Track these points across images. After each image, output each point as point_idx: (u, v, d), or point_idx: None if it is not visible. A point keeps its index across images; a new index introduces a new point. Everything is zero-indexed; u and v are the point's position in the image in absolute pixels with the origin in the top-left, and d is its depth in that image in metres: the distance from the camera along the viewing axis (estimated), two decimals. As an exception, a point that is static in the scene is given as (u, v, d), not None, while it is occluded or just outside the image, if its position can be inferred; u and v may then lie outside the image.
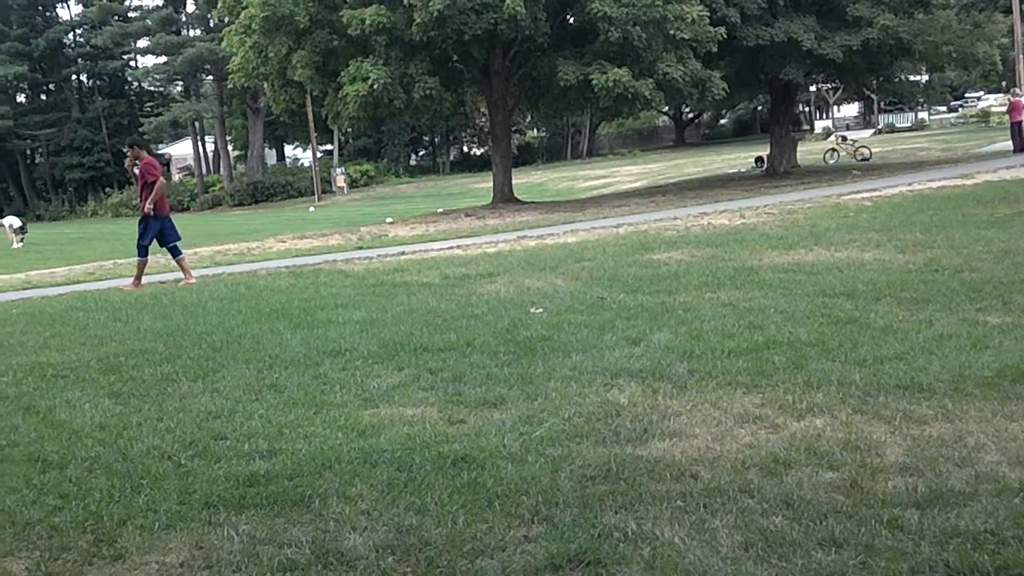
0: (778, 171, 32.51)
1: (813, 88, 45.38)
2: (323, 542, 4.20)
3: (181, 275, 15.97)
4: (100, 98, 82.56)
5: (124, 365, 8.38)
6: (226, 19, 35.26)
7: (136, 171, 15.98)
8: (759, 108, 71.55)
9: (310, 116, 54.03)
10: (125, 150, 16.10)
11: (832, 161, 36.05)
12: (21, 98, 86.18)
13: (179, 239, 16.17)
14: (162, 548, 4.31)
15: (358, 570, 3.94)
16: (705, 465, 4.83)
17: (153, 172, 15.78)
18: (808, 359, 6.64)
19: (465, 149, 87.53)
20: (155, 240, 15.84)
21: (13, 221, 39.68)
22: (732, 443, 5.14)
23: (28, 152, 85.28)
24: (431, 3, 25.06)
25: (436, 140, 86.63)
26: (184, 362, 8.29)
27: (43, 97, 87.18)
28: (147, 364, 8.34)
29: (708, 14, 26.70)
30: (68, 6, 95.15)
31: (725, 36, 27.18)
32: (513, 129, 48.28)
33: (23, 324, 11.68)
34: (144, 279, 15.81)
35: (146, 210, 15.47)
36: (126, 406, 6.94)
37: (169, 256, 16.37)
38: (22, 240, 37.29)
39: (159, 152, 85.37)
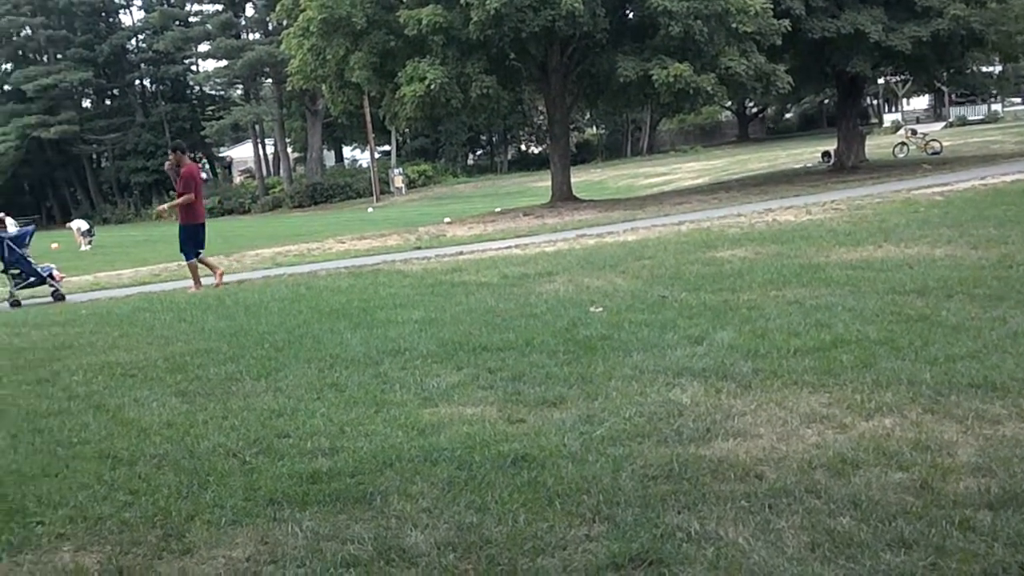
0: (846, 166, 31.88)
1: (881, 81, 44.60)
2: (385, 539, 4.22)
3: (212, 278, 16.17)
4: (163, 102, 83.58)
5: (190, 364, 8.49)
6: (284, 22, 35.48)
7: (176, 175, 16.00)
8: (825, 102, 70.46)
9: (368, 117, 54.24)
10: (168, 154, 16.20)
11: (901, 155, 35.26)
12: (87, 103, 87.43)
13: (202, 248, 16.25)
14: (228, 543, 4.38)
15: (420, 567, 3.95)
16: (770, 465, 4.78)
17: (194, 180, 15.96)
18: (877, 358, 6.54)
19: (523, 148, 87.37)
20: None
21: (81, 224, 40.33)
22: (798, 443, 5.08)
23: (94, 156, 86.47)
24: (488, 1, 24.98)
25: (494, 139, 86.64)
26: (247, 361, 8.37)
27: (108, 102, 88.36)
28: (212, 363, 8.44)
29: (771, 6, 26.21)
30: (131, 12, 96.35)
31: (789, 28, 26.61)
32: (571, 127, 48.14)
33: (92, 325, 11.85)
34: (207, 280, 15.99)
35: (165, 212, 15.60)
36: (192, 404, 7.04)
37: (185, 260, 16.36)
38: (90, 243, 37.86)
39: (220, 155, 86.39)
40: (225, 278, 16.66)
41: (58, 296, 17.12)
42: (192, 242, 15.94)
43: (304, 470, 5.20)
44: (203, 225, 16.32)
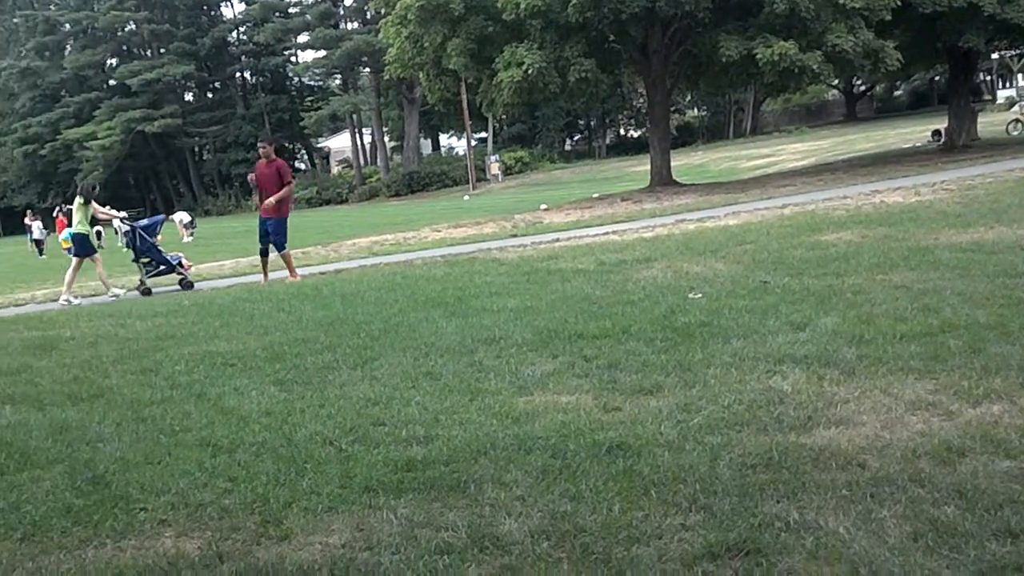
0: (957, 145, 30.97)
1: (995, 56, 43.24)
2: (479, 527, 4.21)
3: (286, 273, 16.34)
4: (263, 94, 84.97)
5: (288, 354, 8.57)
6: (382, 10, 35.75)
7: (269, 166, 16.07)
8: (936, 78, 68.75)
9: (465, 104, 54.48)
10: (264, 145, 16.24)
11: (1016, 133, 34.10)
12: (189, 96, 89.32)
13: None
14: (325, 529, 4.42)
15: (513, 555, 3.93)
16: (873, 454, 4.66)
17: (289, 174, 16.20)
18: (986, 343, 6.33)
19: (622, 132, 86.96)
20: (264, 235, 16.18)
21: (183, 216, 41.25)
22: (902, 431, 4.95)
23: (196, 149, 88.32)
24: (587, -16, 24.90)
25: (592, 124, 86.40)
26: (344, 350, 8.42)
27: (209, 95, 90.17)
28: (309, 353, 8.51)
29: (881, -20, 25.63)
30: (231, 5, 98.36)
31: (899, 3, 25.76)
32: (672, 109, 47.80)
33: (194, 315, 12.05)
34: (304, 270, 16.19)
35: (267, 207, 15.75)
36: (290, 393, 7.10)
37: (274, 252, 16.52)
38: (192, 235, 38.64)
39: (319, 146, 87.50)
40: (323, 267, 16.88)
41: (186, 284, 17.56)
42: (286, 234, 16.12)
43: (399, 458, 5.22)
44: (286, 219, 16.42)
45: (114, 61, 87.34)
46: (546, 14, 26.59)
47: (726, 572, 3.65)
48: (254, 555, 4.20)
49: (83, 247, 17.58)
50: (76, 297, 17.12)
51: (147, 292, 17.21)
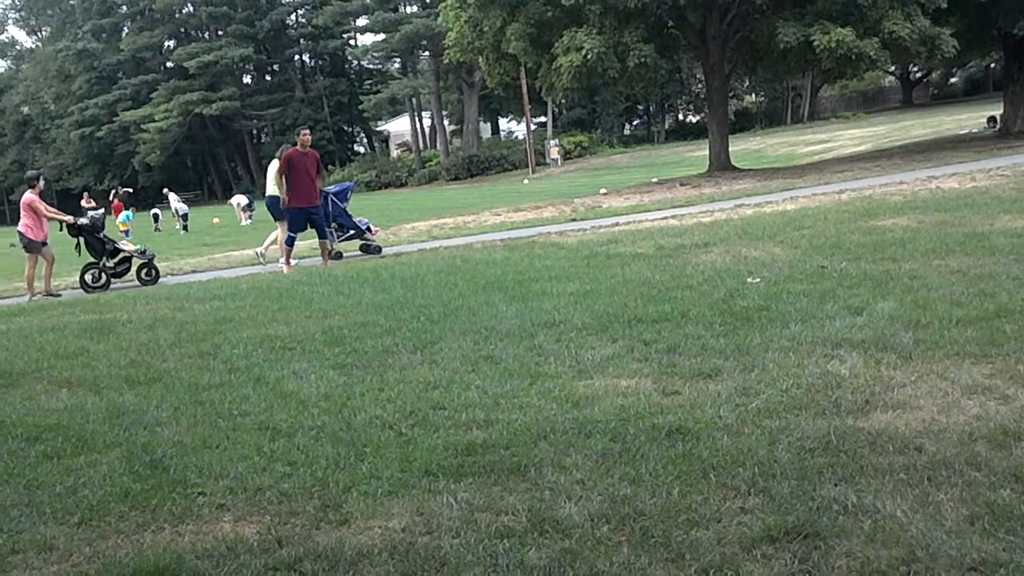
0: (1012, 131, 30.64)
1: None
2: (539, 510, 4.25)
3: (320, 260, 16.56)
4: (321, 77, 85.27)
5: (347, 337, 8.61)
6: (442, -6, 35.77)
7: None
8: (991, 65, 67.94)
9: (524, 89, 54.46)
10: (303, 132, 16.51)
11: (1072, 119, 33.85)
12: (247, 79, 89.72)
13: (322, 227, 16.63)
14: (385, 514, 4.44)
15: (573, 538, 3.97)
16: (930, 437, 4.69)
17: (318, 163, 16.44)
18: (1043, 328, 6.32)
19: (680, 117, 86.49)
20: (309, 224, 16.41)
21: (241, 200, 41.55)
22: (959, 415, 4.97)
23: (254, 132, 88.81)
24: (646, -30, 24.80)
25: (651, 108, 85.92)
26: (404, 334, 8.48)
27: (267, 78, 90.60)
28: (369, 336, 8.56)
29: (938, -32, 25.41)
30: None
31: (956, -9, 25.80)
32: (730, 94, 47.40)
33: (252, 298, 12.15)
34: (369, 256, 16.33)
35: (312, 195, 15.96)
36: (349, 377, 7.15)
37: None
38: (250, 217, 38.94)
39: (378, 129, 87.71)
40: (385, 251, 17.03)
41: (374, 249, 18.04)
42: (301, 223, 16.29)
43: (459, 442, 5.26)
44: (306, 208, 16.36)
45: (171, 43, 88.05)
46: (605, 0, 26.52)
47: (784, 555, 3.68)
48: (313, 539, 4.24)
49: (277, 210, 17.74)
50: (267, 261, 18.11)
51: (338, 256, 17.67)
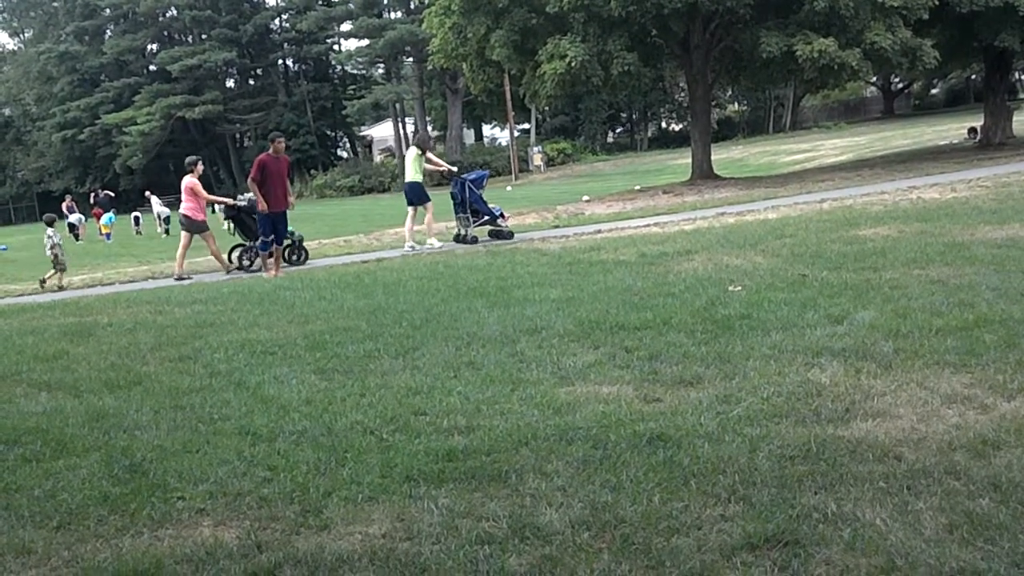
0: (992, 142, 31.02)
1: (1030, 55, 43.03)
2: (520, 516, 4.26)
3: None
4: (305, 82, 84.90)
5: (329, 342, 8.62)
6: (426, 0, 35.81)
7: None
8: (972, 77, 68.49)
9: (508, 95, 54.37)
10: (276, 141, 16.60)
11: (1049, 131, 34.19)
12: (230, 83, 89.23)
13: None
14: (365, 519, 4.44)
15: (554, 545, 3.98)
16: (910, 446, 4.72)
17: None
18: (1021, 338, 6.40)
19: (663, 125, 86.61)
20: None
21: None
22: (938, 424, 5.00)
23: (237, 136, 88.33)
24: (630, -22, 24.87)
25: (634, 117, 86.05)
26: (385, 339, 8.49)
27: (251, 82, 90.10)
28: (350, 341, 8.57)
29: (920, -21, 25.62)
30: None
31: (937, 2, 25.88)
32: (713, 103, 47.48)
33: (234, 303, 12.15)
34: (346, 259, 16.28)
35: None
36: (331, 382, 7.15)
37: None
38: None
39: (361, 134, 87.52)
40: (365, 256, 17.03)
41: (506, 235, 18.63)
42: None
43: (440, 448, 5.27)
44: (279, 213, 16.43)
45: (155, 47, 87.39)
46: (589, 8, 26.59)
47: (765, 563, 3.69)
48: (293, 545, 4.23)
49: (418, 195, 18.41)
50: (437, 242, 18.51)
51: (473, 240, 18.36)
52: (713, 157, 33.46)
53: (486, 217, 18.56)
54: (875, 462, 4.55)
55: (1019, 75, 66.57)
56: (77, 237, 40.00)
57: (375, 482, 4.86)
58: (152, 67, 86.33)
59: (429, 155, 18.92)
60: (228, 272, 17.65)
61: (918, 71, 37.14)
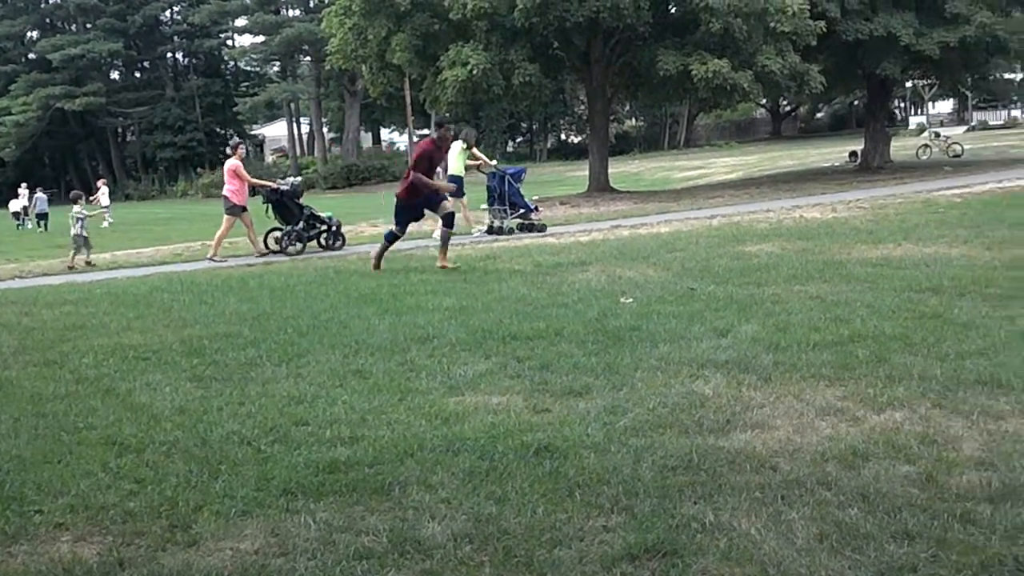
0: (871, 165, 32.29)
1: (909, 84, 44.58)
2: (401, 530, 4.21)
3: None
4: (195, 77, 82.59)
5: (207, 348, 8.41)
6: (326, 0, 35.49)
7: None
8: (855, 103, 70.56)
9: (408, 100, 54.13)
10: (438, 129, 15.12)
11: (925, 157, 35.50)
12: (115, 75, 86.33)
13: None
14: (237, 534, 4.32)
15: (435, 559, 3.95)
16: (785, 457, 4.85)
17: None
18: (891, 353, 6.69)
19: (563, 137, 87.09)
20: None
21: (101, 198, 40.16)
22: (813, 435, 5.17)
23: (120, 130, 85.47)
24: (534, -11, 25.00)
25: (534, 127, 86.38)
26: (269, 346, 8.33)
27: (137, 75, 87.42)
28: (231, 348, 8.38)
29: (808, 7, 26.39)
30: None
31: (824, 30, 26.86)
32: (611, 118, 47.93)
33: (107, 305, 11.79)
34: (231, 262, 16.09)
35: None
36: (208, 390, 6.97)
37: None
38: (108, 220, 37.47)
39: (252, 133, 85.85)
40: (251, 259, 17.06)
41: (538, 228, 19.17)
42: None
43: (321, 459, 5.16)
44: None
45: (35, 34, 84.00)
46: (492, 16, 26.68)
47: (644, 573, 3.73)
48: (158, 561, 4.08)
49: (458, 188, 18.21)
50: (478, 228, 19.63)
51: (509, 231, 19.02)
52: (610, 170, 33.74)
53: (522, 210, 19.35)
54: (752, 472, 4.66)
55: (898, 102, 68.87)
56: None
57: (250, 496, 4.72)
58: (31, 55, 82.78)
59: (474, 151, 19.36)
60: (261, 256, 17.67)
61: (805, 95, 38.53)
